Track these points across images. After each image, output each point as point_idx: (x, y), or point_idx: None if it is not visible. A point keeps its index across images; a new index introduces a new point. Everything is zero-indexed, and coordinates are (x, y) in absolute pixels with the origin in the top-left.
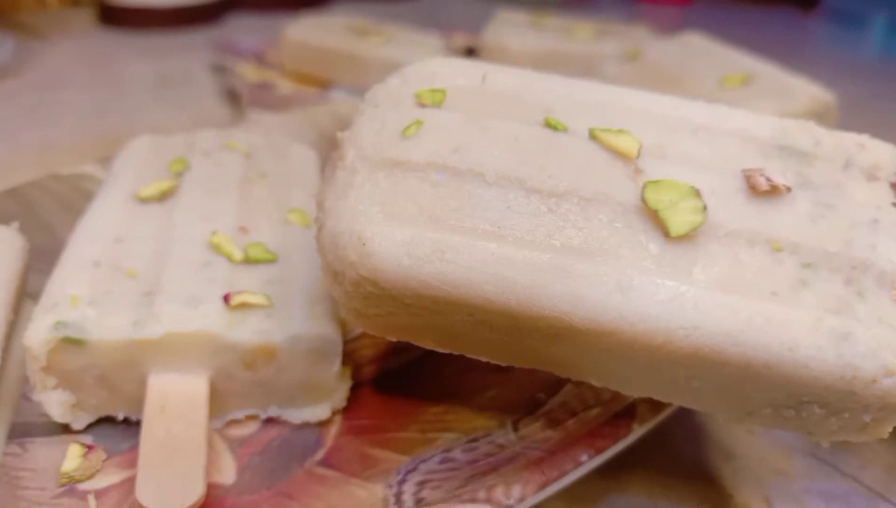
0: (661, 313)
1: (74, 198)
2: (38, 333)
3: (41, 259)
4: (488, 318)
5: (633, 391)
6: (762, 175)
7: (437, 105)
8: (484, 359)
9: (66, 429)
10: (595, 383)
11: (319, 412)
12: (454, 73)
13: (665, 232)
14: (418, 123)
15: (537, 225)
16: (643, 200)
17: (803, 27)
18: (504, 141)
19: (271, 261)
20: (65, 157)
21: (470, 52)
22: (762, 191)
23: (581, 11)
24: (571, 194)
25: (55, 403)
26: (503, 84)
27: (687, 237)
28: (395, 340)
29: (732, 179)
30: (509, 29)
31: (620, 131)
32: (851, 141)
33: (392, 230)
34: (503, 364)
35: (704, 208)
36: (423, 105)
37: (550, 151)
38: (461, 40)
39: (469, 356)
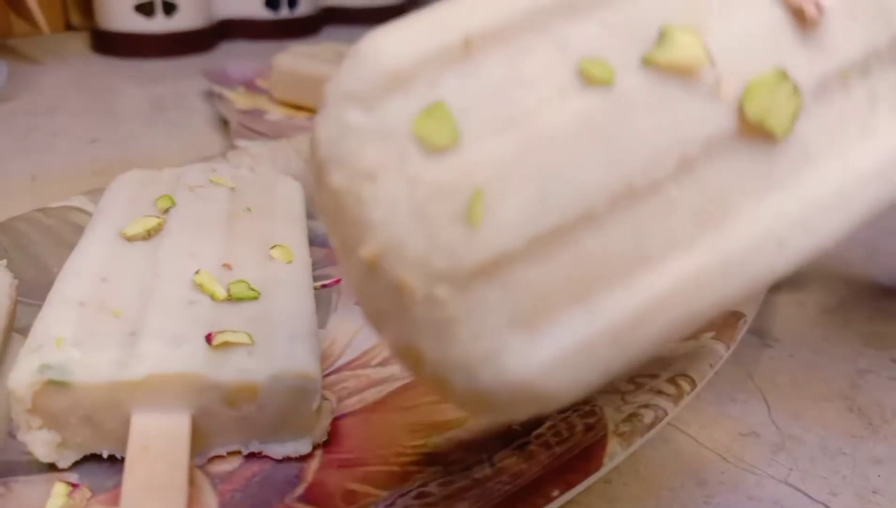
0: (811, 242)
1: (63, 231)
2: (23, 375)
3: (31, 294)
4: None
5: None
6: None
7: (455, 141)
8: None
9: (51, 467)
10: None
11: (300, 446)
12: (419, 55)
13: (771, 139)
14: (476, 194)
15: (674, 225)
16: (743, 117)
17: None
18: (578, 148)
19: (254, 298)
20: (57, 186)
21: None
22: (814, 19)
23: None
24: (680, 166)
25: (40, 443)
26: (492, 34)
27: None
28: None
29: (777, 14)
30: None
31: (669, 36)
32: None
33: (552, 348)
34: None
35: (796, 87)
36: (438, 149)
37: (625, 125)
38: None
39: None
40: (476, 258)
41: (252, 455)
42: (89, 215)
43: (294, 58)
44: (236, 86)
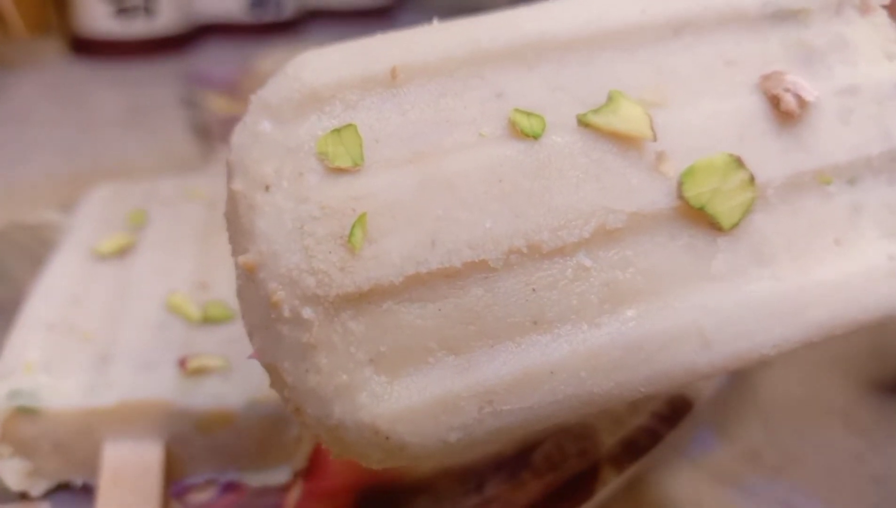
0: (744, 346)
1: (38, 248)
2: None
3: (2, 314)
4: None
5: None
6: (788, 90)
7: (357, 166)
8: None
9: (23, 496)
10: None
11: (279, 475)
12: (342, 77)
13: (716, 227)
14: (361, 220)
15: (581, 294)
16: (683, 198)
17: None
18: (483, 196)
19: (230, 319)
20: (31, 200)
21: None
22: (792, 112)
23: None
24: (598, 235)
25: (11, 471)
26: (422, 69)
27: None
28: None
29: (751, 101)
30: None
31: (614, 102)
32: None
33: (412, 396)
34: None
35: (752, 178)
36: (338, 171)
37: (543, 182)
38: None
39: None
40: (348, 285)
41: (229, 485)
42: (64, 232)
43: (279, 60)
44: (220, 87)
